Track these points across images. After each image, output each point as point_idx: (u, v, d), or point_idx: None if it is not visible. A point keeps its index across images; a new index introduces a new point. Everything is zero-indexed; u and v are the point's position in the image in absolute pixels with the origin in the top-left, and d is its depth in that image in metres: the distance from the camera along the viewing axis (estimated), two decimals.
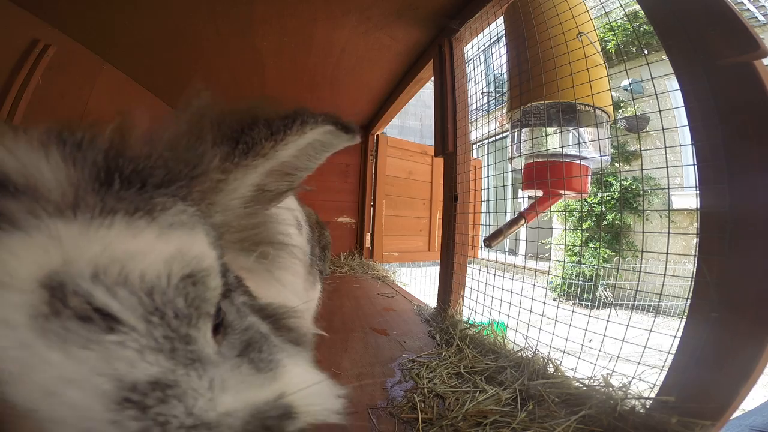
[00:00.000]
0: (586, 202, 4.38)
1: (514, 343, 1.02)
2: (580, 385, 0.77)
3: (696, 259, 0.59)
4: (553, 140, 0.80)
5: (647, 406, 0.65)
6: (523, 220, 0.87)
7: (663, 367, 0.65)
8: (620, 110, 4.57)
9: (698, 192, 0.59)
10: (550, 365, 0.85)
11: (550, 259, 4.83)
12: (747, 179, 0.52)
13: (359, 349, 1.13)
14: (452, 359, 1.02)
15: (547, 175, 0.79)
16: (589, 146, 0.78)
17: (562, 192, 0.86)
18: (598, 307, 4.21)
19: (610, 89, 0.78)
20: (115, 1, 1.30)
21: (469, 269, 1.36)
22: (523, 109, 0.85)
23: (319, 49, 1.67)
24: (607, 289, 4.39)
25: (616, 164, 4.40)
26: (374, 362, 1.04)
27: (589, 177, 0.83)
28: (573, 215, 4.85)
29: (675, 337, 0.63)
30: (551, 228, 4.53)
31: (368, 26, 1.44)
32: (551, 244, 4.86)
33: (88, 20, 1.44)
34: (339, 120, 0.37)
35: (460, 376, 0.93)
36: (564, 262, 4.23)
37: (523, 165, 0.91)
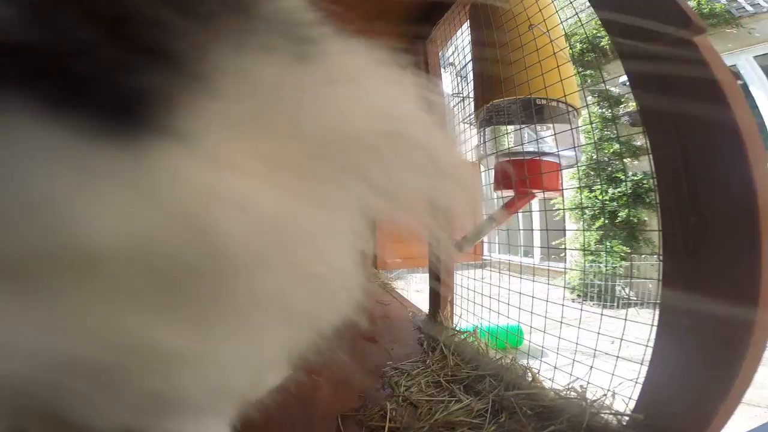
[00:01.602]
0: (597, 199, 4.23)
1: (496, 350, 0.98)
2: (556, 397, 0.73)
3: (660, 260, 0.55)
4: (514, 138, 0.78)
5: (623, 423, 0.61)
6: (494, 223, 0.84)
7: (636, 379, 0.60)
8: (621, 105, 4.45)
9: (656, 184, 0.56)
10: (528, 374, 0.81)
11: (566, 260, 4.68)
12: (703, 167, 0.48)
13: (343, 357, 1.11)
14: (435, 367, 0.99)
15: (511, 176, 0.76)
16: (551, 141, 0.74)
17: (535, 191, 0.83)
18: (617, 307, 4.03)
19: (576, 76, 0.75)
20: None
21: (459, 274, 1.33)
22: (487, 108, 0.83)
23: None
24: (627, 288, 4.20)
25: (625, 160, 4.25)
26: (357, 370, 1.02)
27: (561, 173, 0.79)
28: (585, 213, 4.69)
29: (647, 347, 0.58)
30: (564, 230, 4.39)
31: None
32: (566, 248, 4.71)
33: None
34: None
35: (439, 384, 0.90)
36: (565, 267, 4.08)
37: (492, 165, 0.89)
